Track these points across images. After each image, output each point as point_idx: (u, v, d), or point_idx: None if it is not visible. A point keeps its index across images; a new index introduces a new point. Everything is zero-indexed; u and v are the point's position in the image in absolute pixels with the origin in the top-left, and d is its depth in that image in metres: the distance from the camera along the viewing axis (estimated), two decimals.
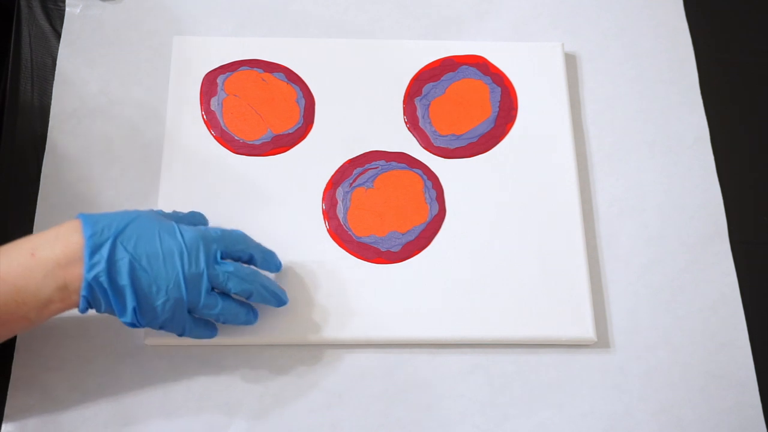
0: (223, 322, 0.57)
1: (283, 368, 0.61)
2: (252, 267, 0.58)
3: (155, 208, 0.64)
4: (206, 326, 0.58)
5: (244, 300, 0.58)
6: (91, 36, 0.71)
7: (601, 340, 0.63)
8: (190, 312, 0.56)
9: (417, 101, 0.69)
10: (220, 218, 0.64)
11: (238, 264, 0.57)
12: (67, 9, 0.72)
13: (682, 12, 0.75)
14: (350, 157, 0.67)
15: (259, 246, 0.59)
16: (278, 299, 0.59)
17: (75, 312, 0.61)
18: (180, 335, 0.57)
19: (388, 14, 0.74)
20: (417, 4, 0.74)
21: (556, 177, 0.67)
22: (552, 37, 0.73)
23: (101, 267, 0.52)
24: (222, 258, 0.56)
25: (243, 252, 0.58)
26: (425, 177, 0.66)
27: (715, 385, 0.62)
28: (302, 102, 0.69)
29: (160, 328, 0.55)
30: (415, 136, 0.68)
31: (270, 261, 0.60)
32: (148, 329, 0.60)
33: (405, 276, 0.63)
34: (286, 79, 0.69)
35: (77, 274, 0.52)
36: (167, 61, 0.70)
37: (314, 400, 0.60)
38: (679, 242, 0.66)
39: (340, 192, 0.66)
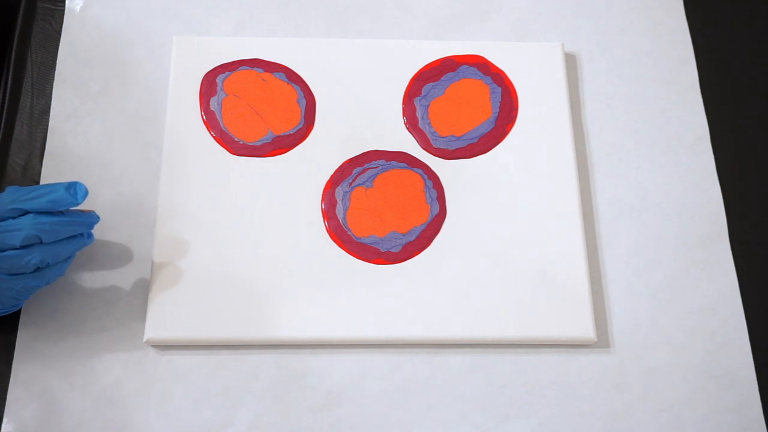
0: (54, 262, 0.56)
1: (283, 368, 0.61)
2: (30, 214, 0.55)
3: (155, 209, 0.64)
4: (36, 275, 0.56)
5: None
6: (91, 36, 0.71)
7: (601, 340, 0.63)
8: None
9: (416, 101, 0.69)
10: (218, 219, 0.64)
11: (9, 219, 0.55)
12: (67, 8, 0.72)
13: (682, 12, 0.75)
14: (350, 157, 0.67)
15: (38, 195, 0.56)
16: (84, 223, 0.57)
17: (74, 312, 0.61)
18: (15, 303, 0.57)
19: (388, 14, 0.74)
20: (417, 4, 0.74)
21: (556, 177, 0.67)
22: (552, 37, 0.73)
23: None
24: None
25: (13, 211, 0.55)
26: (426, 176, 0.66)
27: (715, 385, 0.62)
28: (303, 102, 0.69)
29: None
30: (414, 137, 0.68)
31: (54, 196, 0.55)
32: (148, 328, 0.60)
33: (405, 276, 0.63)
34: (286, 79, 0.69)
35: None
36: (167, 61, 0.70)
37: (314, 400, 0.60)
38: (679, 242, 0.66)
39: (339, 192, 0.66)
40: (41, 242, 0.55)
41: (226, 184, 0.65)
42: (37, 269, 0.56)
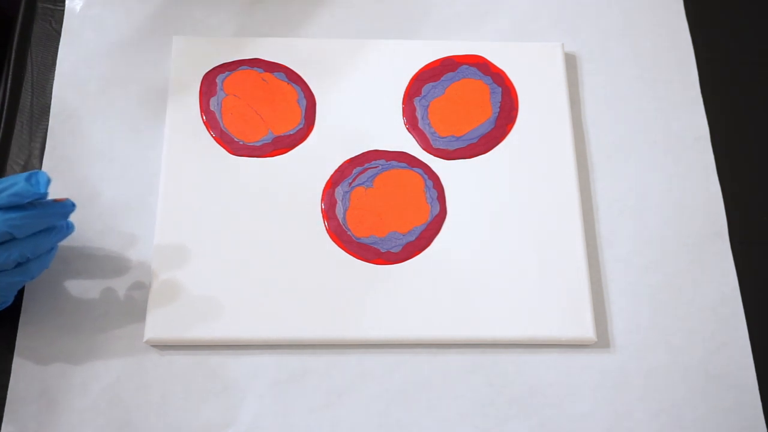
0: (35, 256, 0.56)
1: (283, 368, 0.61)
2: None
3: (155, 209, 0.64)
4: (18, 270, 0.56)
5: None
6: (91, 36, 0.71)
7: (601, 340, 0.63)
8: None
9: (416, 101, 0.69)
10: (218, 219, 0.64)
11: None
12: (67, 8, 0.72)
13: (682, 12, 0.75)
14: (350, 157, 0.67)
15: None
16: (58, 213, 0.55)
17: (74, 312, 0.61)
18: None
19: (388, 14, 0.74)
20: (417, 4, 0.74)
21: (556, 177, 0.67)
22: (552, 37, 0.73)
23: None
24: None
25: None
26: (426, 176, 0.66)
27: (715, 385, 0.62)
28: (303, 102, 0.69)
29: None
30: (414, 137, 0.68)
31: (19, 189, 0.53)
32: (148, 328, 0.60)
33: (405, 276, 0.63)
34: (286, 79, 0.69)
35: None
36: (167, 61, 0.70)
37: (314, 400, 0.60)
38: (679, 242, 0.66)
39: (339, 191, 0.66)
40: (15, 238, 0.54)
41: (226, 184, 0.65)
42: (18, 265, 0.55)
